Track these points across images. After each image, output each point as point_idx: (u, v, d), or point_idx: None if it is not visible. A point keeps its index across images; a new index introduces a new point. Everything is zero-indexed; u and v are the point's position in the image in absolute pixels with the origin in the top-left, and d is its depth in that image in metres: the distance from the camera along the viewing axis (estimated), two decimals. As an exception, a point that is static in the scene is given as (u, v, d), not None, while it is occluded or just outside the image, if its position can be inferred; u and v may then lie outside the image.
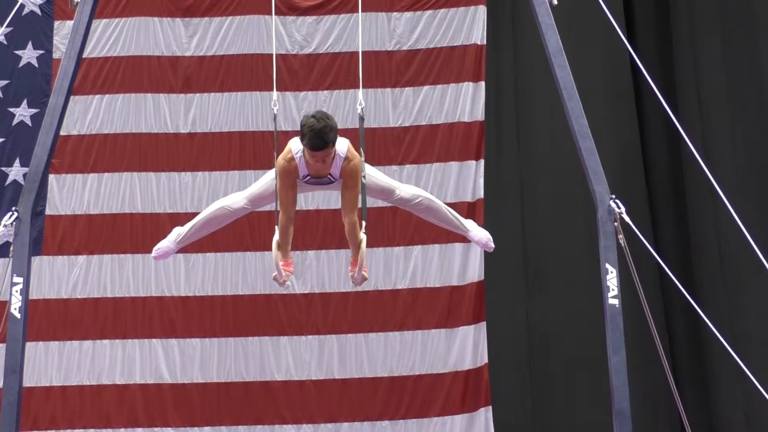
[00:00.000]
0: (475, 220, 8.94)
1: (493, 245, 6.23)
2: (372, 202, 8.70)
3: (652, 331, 5.79)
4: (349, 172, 5.68)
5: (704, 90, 9.64)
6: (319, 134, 5.44)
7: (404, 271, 9.15)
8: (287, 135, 8.93)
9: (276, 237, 5.62)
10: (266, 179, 5.90)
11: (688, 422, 5.95)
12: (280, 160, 5.71)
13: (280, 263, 5.59)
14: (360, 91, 6.23)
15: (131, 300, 9.00)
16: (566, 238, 9.44)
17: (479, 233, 6.25)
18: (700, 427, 8.42)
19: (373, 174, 5.90)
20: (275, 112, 5.95)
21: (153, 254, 6.03)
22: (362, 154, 5.76)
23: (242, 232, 8.99)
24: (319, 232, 9.12)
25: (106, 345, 8.96)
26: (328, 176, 5.73)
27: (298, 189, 5.76)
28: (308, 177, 5.73)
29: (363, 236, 5.63)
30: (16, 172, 8.96)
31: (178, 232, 6.02)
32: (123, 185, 9.11)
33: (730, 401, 9.22)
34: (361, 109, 5.96)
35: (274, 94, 6.04)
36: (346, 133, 8.82)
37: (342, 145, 5.66)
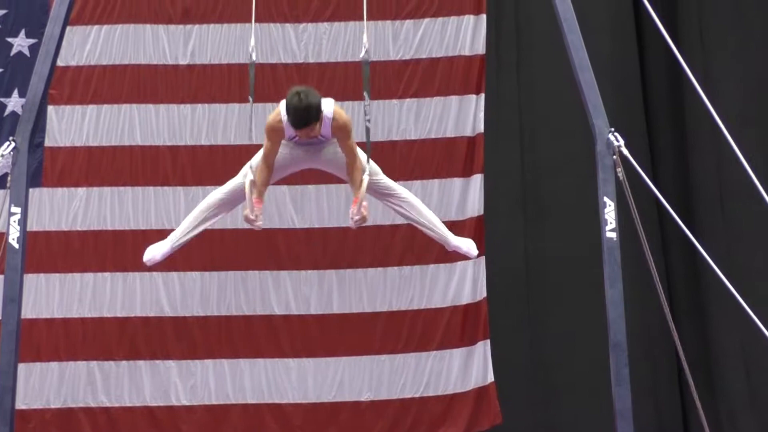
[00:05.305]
0: (474, 156, 9.11)
1: (476, 252, 6.30)
2: (372, 137, 8.74)
3: (650, 265, 5.81)
4: (339, 130, 5.81)
5: (706, 20, 9.57)
6: (301, 114, 5.60)
7: (404, 205, 9.13)
8: (287, 68, 9.07)
9: (250, 176, 5.79)
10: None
11: (684, 355, 5.98)
12: (270, 120, 5.84)
13: (252, 200, 5.74)
14: (365, 35, 6.17)
15: (131, 233, 8.99)
16: (565, 172, 9.43)
17: (462, 240, 6.27)
18: (696, 361, 8.48)
19: (363, 156, 5.98)
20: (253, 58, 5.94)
21: (145, 258, 6.13)
22: (367, 92, 5.87)
23: (241, 167, 8.94)
24: (319, 165, 9.10)
25: (107, 277, 8.98)
26: (319, 137, 5.85)
27: (292, 163, 5.94)
28: (296, 138, 5.84)
29: (365, 177, 5.78)
30: (14, 102, 8.92)
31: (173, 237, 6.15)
32: (122, 117, 9.05)
33: (726, 335, 9.28)
34: (366, 51, 5.98)
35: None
36: (347, 66, 8.91)
37: (328, 107, 5.78)
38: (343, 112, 5.82)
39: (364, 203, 5.79)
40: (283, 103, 5.77)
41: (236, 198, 6.08)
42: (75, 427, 8.84)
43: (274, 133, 5.82)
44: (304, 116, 5.61)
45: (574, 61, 5.87)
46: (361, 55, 6.03)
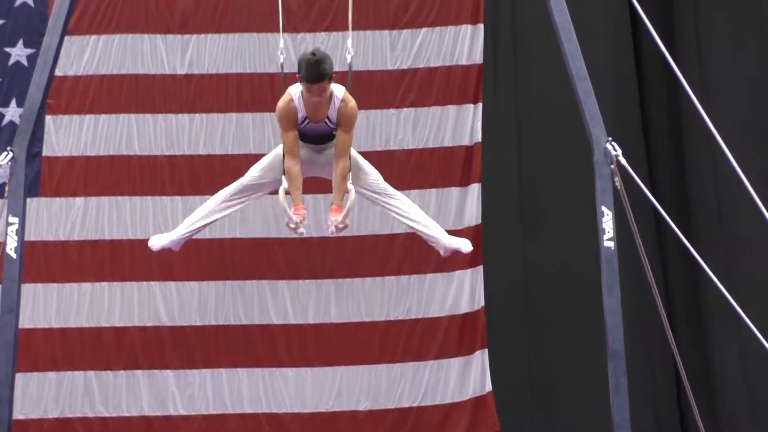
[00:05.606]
0: (472, 165, 9.11)
1: (470, 248, 6.18)
2: (368, 146, 8.79)
3: (647, 273, 5.81)
4: (345, 114, 5.84)
5: (703, 28, 9.58)
6: (315, 65, 5.62)
7: (401, 215, 9.13)
8: (286, 76, 9.03)
9: (283, 184, 5.71)
10: (273, 151, 6.07)
11: (683, 363, 5.98)
12: (280, 103, 5.88)
13: (289, 209, 5.68)
14: (350, 39, 6.24)
15: (129, 242, 8.98)
16: (563, 181, 9.44)
17: (455, 238, 6.20)
18: (694, 369, 8.47)
19: (358, 156, 6.07)
20: (281, 60, 6.06)
21: (150, 243, 6.15)
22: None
23: (240, 176, 8.95)
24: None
25: (105, 287, 8.98)
26: (326, 120, 5.84)
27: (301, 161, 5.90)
28: (307, 121, 5.83)
29: (351, 187, 5.81)
30: (12, 112, 8.92)
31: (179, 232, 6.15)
32: (120, 127, 9.06)
33: (724, 343, 9.28)
34: (351, 57, 6.09)
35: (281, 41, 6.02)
36: (344, 77, 8.90)
37: (339, 89, 5.83)
38: (353, 99, 5.87)
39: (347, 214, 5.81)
40: (290, 87, 5.84)
41: (247, 191, 6.08)
42: (72, 437, 8.85)
43: (288, 116, 5.83)
44: (317, 69, 5.62)
45: (572, 71, 5.87)
46: (347, 61, 6.10)
